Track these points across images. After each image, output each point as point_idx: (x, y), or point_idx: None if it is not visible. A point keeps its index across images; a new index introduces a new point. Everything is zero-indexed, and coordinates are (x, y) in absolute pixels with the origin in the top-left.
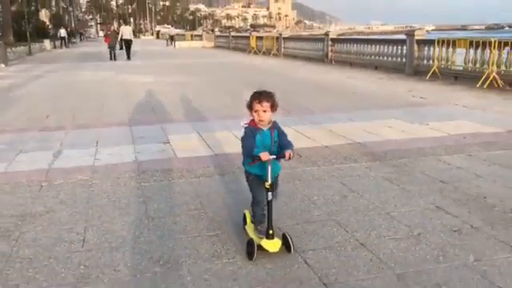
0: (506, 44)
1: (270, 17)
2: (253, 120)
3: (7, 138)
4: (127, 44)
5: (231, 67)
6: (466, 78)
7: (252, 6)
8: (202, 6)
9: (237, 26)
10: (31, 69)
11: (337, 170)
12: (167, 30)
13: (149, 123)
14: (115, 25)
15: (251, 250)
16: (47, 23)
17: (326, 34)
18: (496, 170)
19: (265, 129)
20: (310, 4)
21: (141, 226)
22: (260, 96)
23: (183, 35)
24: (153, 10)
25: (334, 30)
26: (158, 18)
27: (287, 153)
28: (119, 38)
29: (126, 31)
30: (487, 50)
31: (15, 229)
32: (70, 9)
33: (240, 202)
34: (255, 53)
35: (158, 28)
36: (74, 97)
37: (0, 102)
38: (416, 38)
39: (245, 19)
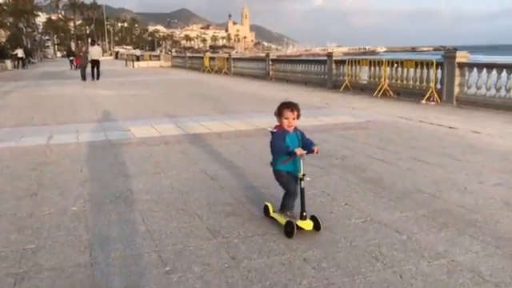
0: (394, 63)
1: (228, 38)
2: (279, 125)
3: (7, 130)
4: (95, 64)
5: (184, 83)
6: (369, 89)
7: (211, 27)
8: (160, 27)
9: (196, 47)
10: (0, 86)
11: (240, 141)
12: (126, 50)
13: (113, 121)
14: (80, 45)
15: (291, 229)
16: (4, 43)
17: (267, 56)
18: (342, 140)
19: (291, 132)
20: (268, 26)
21: (114, 167)
22: (291, 105)
23: (142, 56)
24: (111, 31)
25: (291, 52)
26: (117, 38)
27: (316, 148)
28: (89, 59)
29: (95, 51)
30: (382, 68)
31: (37, 167)
32: (29, 30)
33: (172, 155)
34: (208, 71)
35: (117, 49)
36: (49, 106)
37: None
38: (334, 58)
39: (204, 40)
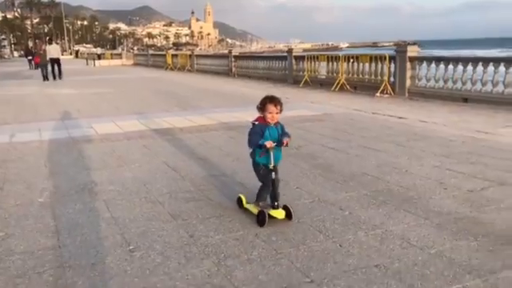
0: (350, 58)
1: (192, 35)
2: (261, 117)
3: None
4: (55, 63)
5: (146, 81)
6: (328, 84)
7: (174, 24)
8: (122, 25)
9: (159, 45)
10: None
11: (201, 135)
12: (86, 49)
13: (76, 119)
14: (39, 43)
15: (263, 218)
16: None
17: (230, 52)
18: (299, 131)
19: (272, 125)
20: (231, 23)
21: (77, 161)
22: (275, 100)
23: (103, 54)
24: (71, 29)
25: (255, 49)
26: (77, 37)
27: (285, 140)
28: (48, 58)
29: (53, 50)
30: (339, 63)
31: (1, 164)
32: None
33: (135, 149)
34: (171, 69)
35: (77, 47)
36: (9, 106)
37: None
38: (294, 54)
39: (167, 38)
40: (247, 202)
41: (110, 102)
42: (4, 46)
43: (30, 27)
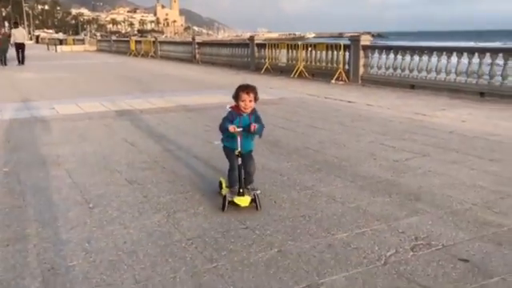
0: (309, 46)
1: (157, 22)
2: (236, 105)
3: None
4: (20, 47)
5: (109, 66)
6: (287, 71)
7: (138, 11)
8: (85, 11)
9: (123, 31)
10: None
11: (160, 116)
12: (47, 34)
13: (37, 101)
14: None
15: (223, 203)
16: None
17: (193, 39)
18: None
19: (245, 114)
20: (198, 11)
21: (40, 138)
22: (248, 88)
23: (65, 40)
24: (30, 13)
25: (222, 37)
26: (37, 22)
27: (252, 125)
28: (12, 42)
29: (19, 34)
30: (298, 51)
31: None
32: None
33: (96, 128)
34: (135, 55)
35: (37, 32)
36: None
37: None
38: (256, 42)
39: (131, 24)
40: (226, 186)
41: (72, 85)
42: None
43: None
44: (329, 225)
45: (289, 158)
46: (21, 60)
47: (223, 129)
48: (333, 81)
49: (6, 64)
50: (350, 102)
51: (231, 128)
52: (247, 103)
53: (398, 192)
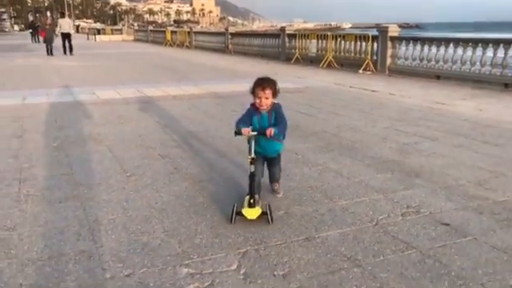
0: (338, 37)
1: (193, 13)
2: (254, 103)
3: None
4: (66, 38)
5: (146, 55)
6: (317, 61)
7: (175, 1)
8: (122, 1)
9: (159, 21)
10: None
11: (191, 101)
12: (87, 24)
13: (80, 87)
14: (45, 17)
15: (231, 213)
16: None
17: (227, 30)
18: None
19: (264, 112)
20: (233, 1)
21: (83, 119)
22: (263, 83)
23: (103, 29)
24: (71, 3)
25: (257, 27)
26: (77, 12)
27: (268, 130)
28: (57, 32)
29: (65, 24)
30: (327, 41)
31: (18, 120)
32: None
33: (132, 111)
34: (170, 45)
35: (77, 22)
36: (18, 75)
37: None
38: (286, 32)
39: (168, 14)
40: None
41: (111, 73)
42: (4, 19)
43: (30, 0)
44: (332, 194)
45: (306, 140)
46: (68, 49)
47: (236, 127)
48: (360, 71)
49: (52, 54)
50: (373, 91)
51: (244, 131)
52: (263, 100)
53: (401, 170)
